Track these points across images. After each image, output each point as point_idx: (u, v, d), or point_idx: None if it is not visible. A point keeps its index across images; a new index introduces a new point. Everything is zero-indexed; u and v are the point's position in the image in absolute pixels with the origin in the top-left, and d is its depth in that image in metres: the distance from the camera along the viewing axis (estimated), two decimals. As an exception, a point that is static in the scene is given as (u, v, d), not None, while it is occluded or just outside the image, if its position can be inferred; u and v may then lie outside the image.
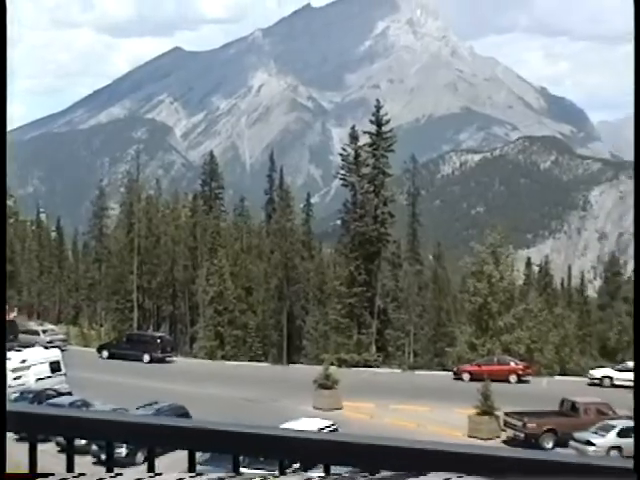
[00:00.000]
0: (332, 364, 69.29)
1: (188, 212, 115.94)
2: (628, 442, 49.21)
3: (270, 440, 2.85)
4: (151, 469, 2.98)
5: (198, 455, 3.04)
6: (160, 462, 3.81)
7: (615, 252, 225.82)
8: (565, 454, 2.90)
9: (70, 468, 3.00)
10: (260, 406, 56.54)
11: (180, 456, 2.91)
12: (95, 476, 2.62)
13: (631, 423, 52.97)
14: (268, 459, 2.90)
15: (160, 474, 2.67)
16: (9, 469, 2.87)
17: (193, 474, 2.64)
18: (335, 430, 42.93)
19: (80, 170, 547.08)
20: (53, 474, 2.70)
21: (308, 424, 45.38)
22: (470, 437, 51.08)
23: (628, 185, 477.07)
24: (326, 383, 61.00)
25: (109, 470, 3.02)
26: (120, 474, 2.68)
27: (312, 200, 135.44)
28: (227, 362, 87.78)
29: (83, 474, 2.70)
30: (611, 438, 49.82)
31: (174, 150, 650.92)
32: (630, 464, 2.48)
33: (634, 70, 2.88)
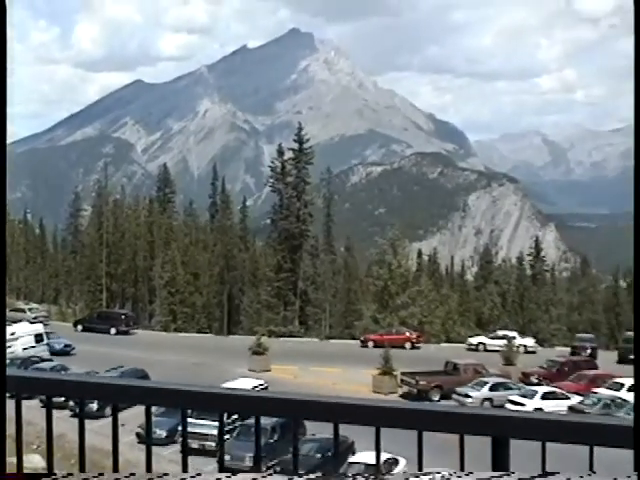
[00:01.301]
0: (263, 335, 69.08)
1: (147, 213, 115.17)
2: (498, 394, 49.92)
3: (212, 397, 2.83)
4: (115, 421, 2.96)
5: (154, 409, 3.02)
6: (124, 414, 3.78)
7: (488, 245, 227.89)
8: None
9: (49, 419, 2.97)
10: (205, 369, 56.30)
11: (140, 410, 2.89)
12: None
13: (500, 380, 53.65)
14: (211, 412, 2.89)
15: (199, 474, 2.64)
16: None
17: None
18: (266, 388, 42.87)
19: (59, 179, 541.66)
20: (54, 474, 2.66)
21: (244, 383, 45.51)
22: (374, 392, 51.35)
23: (498, 191, 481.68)
24: (258, 350, 61.09)
25: (81, 421, 3.00)
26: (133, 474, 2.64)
27: (247, 203, 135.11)
28: (179, 334, 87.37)
29: (71, 474, 2.66)
30: (484, 392, 50.46)
31: (136, 163, 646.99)
32: (629, 422, 2.49)
33: (634, 70, 2.79)
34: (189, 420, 3.00)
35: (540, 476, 2.47)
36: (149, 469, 2.82)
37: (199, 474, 2.64)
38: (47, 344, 60.30)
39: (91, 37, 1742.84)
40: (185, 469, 2.83)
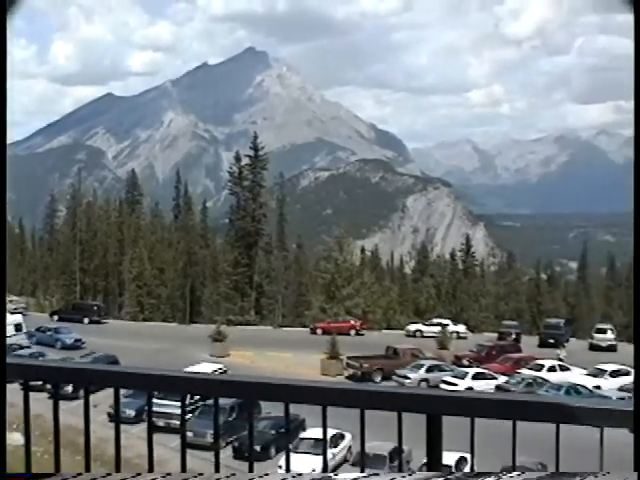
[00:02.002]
0: (222, 324, 68.90)
1: (117, 213, 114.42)
2: (433, 376, 50.38)
3: (176, 380, 2.83)
4: (87, 402, 2.94)
5: (123, 391, 3.01)
6: (96, 396, 3.75)
7: (424, 242, 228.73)
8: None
9: (27, 401, 2.94)
10: (170, 354, 56.03)
11: (111, 392, 2.87)
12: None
13: (435, 362, 54.02)
14: (174, 394, 2.88)
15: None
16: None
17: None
18: (225, 372, 42.81)
19: (37, 183, 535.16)
20: (54, 474, 2.63)
21: (205, 367, 45.43)
22: (322, 375, 51.50)
23: (433, 194, 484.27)
24: (218, 337, 61.00)
25: (56, 403, 2.97)
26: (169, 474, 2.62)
27: (207, 205, 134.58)
28: (146, 323, 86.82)
29: (80, 474, 2.64)
30: (421, 373, 50.87)
31: (106, 168, 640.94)
32: (548, 399, 2.51)
33: (634, 70, 2.78)
34: (156, 401, 3.00)
35: (554, 475, 2.50)
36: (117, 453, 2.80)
37: (201, 474, 2.63)
38: (26, 333, 59.48)
39: (66, 54, 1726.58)
40: (184, 469, 2.82)
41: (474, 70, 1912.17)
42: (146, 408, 3.13)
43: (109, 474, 2.60)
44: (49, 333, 62.11)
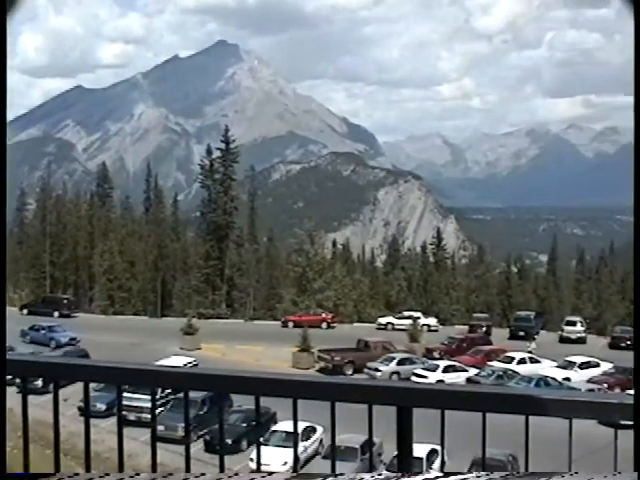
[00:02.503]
0: (193, 317, 68.84)
1: (87, 207, 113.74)
2: (404, 368, 50.56)
3: (146, 373, 2.82)
4: (56, 397, 2.93)
5: (94, 385, 3.00)
6: (67, 390, 3.73)
7: (395, 235, 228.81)
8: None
9: (25, 400, 2.93)
10: (141, 348, 55.96)
11: (80, 386, 2.86)
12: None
13: (406, 355, 54.23)
14: (144, 387, 2.87)
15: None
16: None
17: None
18: (196, 365, 42.73)
19: (7, 175, 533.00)
20: (53, 474, 2.61)
21: (176, 361, 45.34)
22: (293, 368, 51.51)
23: (404, 187, 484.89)
24: (189, 330, 61.00)
25: (24, 397, 2.95)
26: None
27: (178, 198, 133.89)
28: (116, 316, 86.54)
29: (77, 474, 2.62)
30: (392, 366, 51.00)
31: (76, 161, 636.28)
32: (519, 391, 2.51)
33: (634, 70, 2.77)
34: (127, 394, 2.99)
35: (524, 475, 2.52)
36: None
37: (203, 474, 2.63)
38: (22, 331, 58.98)
39: (35, 46, 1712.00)
40: (188, 469, 2.81)
41: (445, 64, 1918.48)
42: (117, 402, 3.11)
43: (107, 474, 2.59)
44: (43, 332, 60.41)
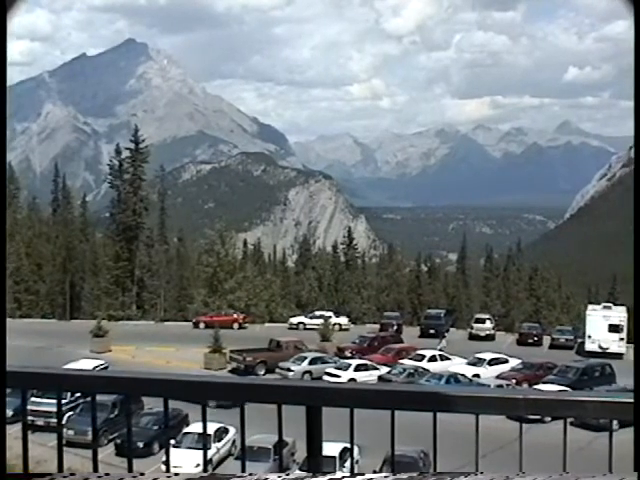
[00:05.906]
0: (103, 319, 68.05)
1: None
2: (317, 367, 50.87)
3: (51, 377, 2.79)
4: None
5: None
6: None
7: (306, 235, 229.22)
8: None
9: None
10: (49, 352, 55.06)
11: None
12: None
13: (318, 354, 54.50)
14: (49, 391, 2.84)
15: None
16: None
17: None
18: (106, 367, 42.40)
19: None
20: (51, 474, 2.56)
21: (86, 364, 44.69)
22: (205, 369, 51.31)
23: (315, 187, 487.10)
24: (99, 333, 60.34)
25: None
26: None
27: (87, 198, 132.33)
28: (24, 320, 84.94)
29: (73, 474, 2.57)
30: (304, 365, 51.25)
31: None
32: (428, 389, 2.54)
33: (634, 70, 2.78)
34: (35, 399, 2.96)
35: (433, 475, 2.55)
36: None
37: (107, 474, 2.59)
38: None
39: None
40: (60, 468, 2.78)
41: (355, 64, 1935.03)
42: (27, 407, 3.08)
43: (107, 474, 2.55)
44: None
